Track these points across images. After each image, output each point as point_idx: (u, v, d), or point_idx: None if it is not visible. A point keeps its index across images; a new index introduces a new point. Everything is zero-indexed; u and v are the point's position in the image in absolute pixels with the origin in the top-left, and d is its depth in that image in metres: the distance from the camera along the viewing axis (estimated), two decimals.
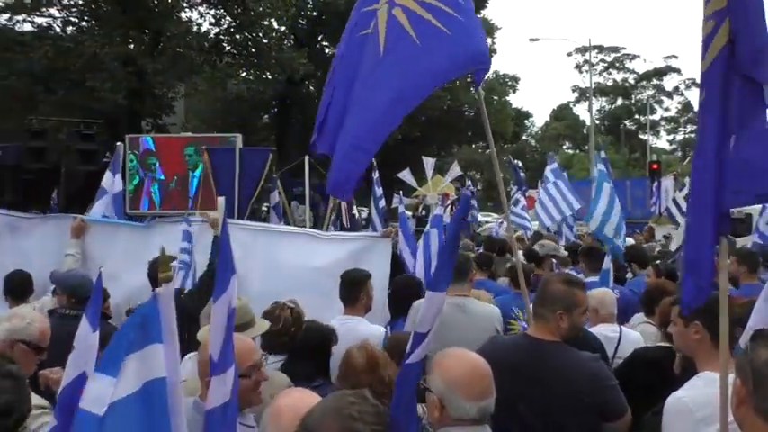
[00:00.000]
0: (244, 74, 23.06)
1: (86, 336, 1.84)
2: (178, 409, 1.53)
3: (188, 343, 3.50)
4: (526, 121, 53.14)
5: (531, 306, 3.21)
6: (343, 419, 1.64)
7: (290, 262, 4.94)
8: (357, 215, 9.73)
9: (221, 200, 3.23)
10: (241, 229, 5.02)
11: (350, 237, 5.48)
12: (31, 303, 4.30)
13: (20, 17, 19.21)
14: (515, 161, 12.99)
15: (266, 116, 29.76)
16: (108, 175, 5.79)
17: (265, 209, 10.35)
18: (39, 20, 19.69)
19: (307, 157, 9.40)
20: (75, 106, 17.74)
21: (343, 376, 2.78)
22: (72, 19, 20.24)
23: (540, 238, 8.36)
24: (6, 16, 19.05)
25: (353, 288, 4.02)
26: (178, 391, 1.53)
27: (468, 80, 30.55)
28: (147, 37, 19.73)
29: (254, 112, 27.46)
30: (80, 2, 20.10)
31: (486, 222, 21.64)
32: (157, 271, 4.35)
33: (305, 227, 8.76)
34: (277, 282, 4.70)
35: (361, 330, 3.77)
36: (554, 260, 6.50)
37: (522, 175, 12.28)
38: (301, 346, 3.18)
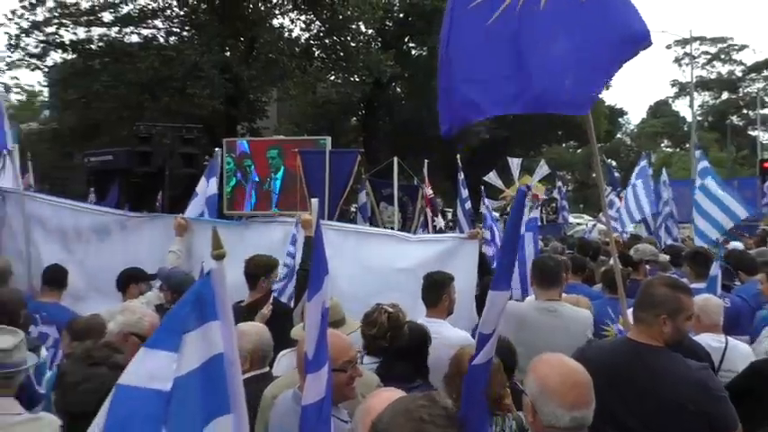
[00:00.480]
0: (332, 77, 23.59)
1: None
2: (236, 383, 1.54)
3: (281, 340, 3.64)
4: (620, 119, 50.99)
5: (631, 311, 3.08)
6: (415, 422, 1.64)
7: (377, 263, 4.99)
8: (439, 226, 9.73)
9: (315, 201, 3.29)
10: (330, 229, 5.11)
11: (436, 238, 5.47)
12: (138, 298, 4.60)
13: (128, 29, 20.64)
14: (609, 161, 12.50)
15: (354, 118, 30.26)
16: (202, 179, 6.06)
17: (353, 210, 10.54)
18: (144, 31, 21.10)
19: (396, 158, 9.49)
20: (177, 112, 18.83)
21: (451, 379, 2.73)
22: (174, 30, 21.51)
23: (637, 241, 7.98)
24: (116, 29, 20.52)
25: (436, 290, 4.00)
26: (236, 366, 1.54)
27: None
28: (242, 44, 20.61)
29: (342, 115, 28.00)
30: (181, 13, 21.32)
31: (578, 224, 20.92)
32: (253, 269, 4.56)
33: (393, 228, 8.84)
34: (364, 282, 4.77)
35: (444, 333, 3.74)
36: (647, 266, 6.17)
37: (615, 175, 11.78)
38: (404, 346, 3.17)
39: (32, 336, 3.95)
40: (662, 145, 56.58)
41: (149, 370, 1.48)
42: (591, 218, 21.31)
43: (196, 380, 1.48)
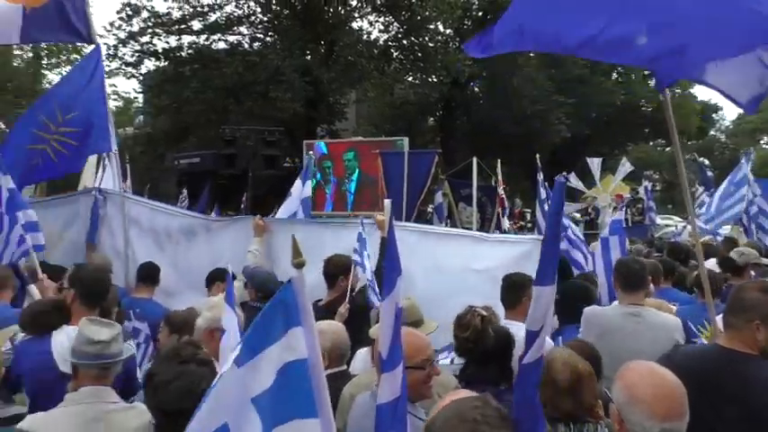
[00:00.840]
0: (410, 78, 23.64)
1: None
2: (321, 388, 1.57)
3: (358, 338, 3.70)
4: (714, 115, 48.01)
5: (720, 317, 2.93)
6: (468, 423, 1.64)
7: (453, 264, 4.93)
8: (504, 227, 9.55)
9: (387, 202, 3.31)
10: (406, 230, 5.11)
11: (515, 239, 5.36)
12: (218, 295, 4.79)
13: (215, 36, 21.58)
14: (701, 159, 11.80)
15: (431, 119, 30.22)
16: (298, 181, 6.22)
17: (430, 210, 10.54)
18: (230, 38, 21.98)
19: (474, 159, 9.41)
20: (259, 115, 19.48)
21: (541, 386, 2.65)
22: (258, 35, 22.28)
23: (733, 244, 7.50)
24: (204, 37, 21.49)
25: (516, 291, 3.90)
26: (320, 370, 1.59)
27: (646, 73, 28.44)
28: (322, 48, 21.06)
29: (419, 115, 28.02)
30: (265, 19, 22.04)
31: (666, 226, 19.93)
32: (332, 269, 4.65)
33: (471, 228, 8.76)
34: (439, 283, 4.74)
35: (523, 337, 3.66)
36: (752, 272, 5.78)
37: (708, 174, 11.11)
38: (489, 350, 3.10)
39: (126, 331, 4.20)
40: (761, 142, 52.89)
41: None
42: (680, 219, 20.26)
43: (279, 387, 1.53)
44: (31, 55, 20.37)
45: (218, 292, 4.86)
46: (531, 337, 1.99)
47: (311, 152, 7.42)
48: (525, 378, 1.99)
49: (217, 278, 5.01)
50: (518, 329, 3.71)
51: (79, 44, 18.56)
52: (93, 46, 5.67)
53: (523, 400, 1.97)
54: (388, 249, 2.07)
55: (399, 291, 1.96)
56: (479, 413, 1.66)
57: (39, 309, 3.45)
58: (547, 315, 1.99)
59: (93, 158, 7.34)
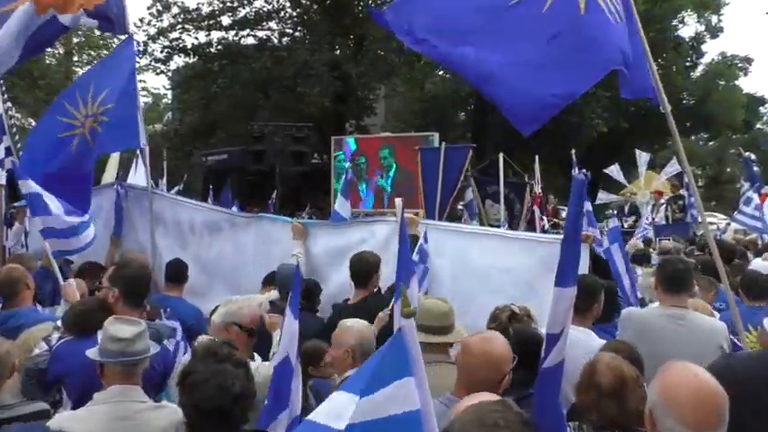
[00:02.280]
0: (441, 72, 23.37)
1: (289, 324, 2.41)
2: None
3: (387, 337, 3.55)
4: (761, 108, 46.45)
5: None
6: (488, 428, 1.59)
7: (481, 263, 4.77)
8: (546, 226, 9.28)
9: (398, 201, 3.21)
10: (435, 229, 4.99)
11: (544, 239, 5.14)
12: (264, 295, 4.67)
13: (244, 32, 21.67)
14: (747, 153, 11.29)
15: (462, 114, 29.86)
16: (340, 199, 6.03)
17: (461, 207, 10.34)
18: (259, 33, 22.06)
19: (501, 155, 9.19)
20: (287, 111, 19.48)
21: (584, 391, 2.48)
22: (287, 30, 22.31)
23: None
24: (233, 32, 21.60)
25: (586, 297, 3.50)
26: (432, 424, 1.54)
27: (688, 64, 27.56)
28: (351, 42, 20.98)
29: (450, 110, 27.72)
30: (294, 14, 22.04)
31: (710, 223, 19.25)
32: (361, 267, 4.48)
33: (499, 226, 8.57)
34: (467, 282, 4.61)
35: (592, 345, 3.41)
36: None
37: (755, 169, 10.63)
38: (517, 352, 2.98)
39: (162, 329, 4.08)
40: None
41: (332, 408, 1.53)
42: (724, 217, 19.58)
43: (384, 429, 1.48)
44: (62, 51, 20.64)
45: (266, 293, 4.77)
46: (552, 340, 1.93)
47: (348, 165, 7.32)
48: (546, 382, 1.94)
49: (270, 282, 4.85)
50: (586, 336, 3.46)
51: (109, 40, 18.90)
52: (124, 37, 5.55)
53: (544, 404, 1.91)
54: (401, 249, 2.02)
55: (414, 290, 1.86)
56: (500, 417, 1.61)
57: (84, 309, 3.34)
58: (567, 318, 1.92)
59: (115, 155, 7.33)
